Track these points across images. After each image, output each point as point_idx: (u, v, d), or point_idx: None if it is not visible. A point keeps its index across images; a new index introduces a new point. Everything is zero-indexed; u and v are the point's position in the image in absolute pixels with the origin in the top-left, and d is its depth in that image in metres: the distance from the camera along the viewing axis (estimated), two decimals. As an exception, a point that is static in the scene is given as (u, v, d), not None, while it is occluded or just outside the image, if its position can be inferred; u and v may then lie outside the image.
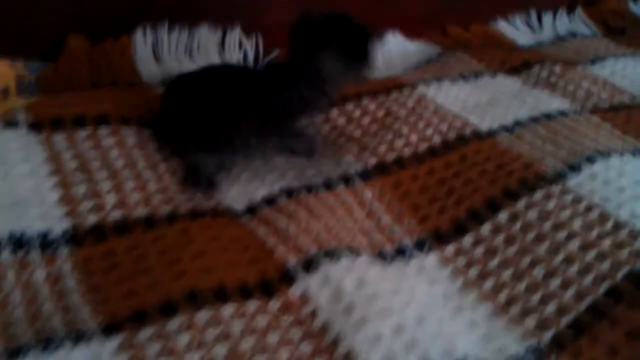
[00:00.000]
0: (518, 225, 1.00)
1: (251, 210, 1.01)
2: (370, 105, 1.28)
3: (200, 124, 1.03)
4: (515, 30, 1.85)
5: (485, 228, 1.00)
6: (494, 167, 1.11)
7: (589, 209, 1.01)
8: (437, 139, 1.19)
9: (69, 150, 1.02)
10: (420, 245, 0.98)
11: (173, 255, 0.87)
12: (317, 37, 1.01)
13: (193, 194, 1.02)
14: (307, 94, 1.04)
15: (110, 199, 0.95)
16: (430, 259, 0.96)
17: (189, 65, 1.35)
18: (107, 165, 1.01)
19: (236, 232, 0.94)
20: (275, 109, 1.04)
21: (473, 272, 0.94)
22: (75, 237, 0.88)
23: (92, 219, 0.91)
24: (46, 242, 0.86)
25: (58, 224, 0.89)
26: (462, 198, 1.06)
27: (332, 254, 0.89)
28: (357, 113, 1.26)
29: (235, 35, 1.45)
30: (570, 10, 1.96)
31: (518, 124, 1.25)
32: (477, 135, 1.20)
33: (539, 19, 1.90)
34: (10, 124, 1.04)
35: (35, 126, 1.05)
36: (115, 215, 0.93)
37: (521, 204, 1.03)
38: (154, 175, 1.02)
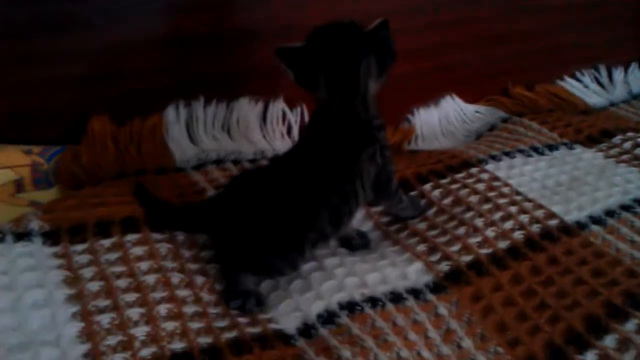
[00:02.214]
0: (632, 355, 0.82)
1: (306, 331, 0.85)
2: (435, 191, 1.13)
3: (259, 245, 0.90)
4: (584, 88, 1.71)
5: (590, 357, 0.83)
6: (591, 273, 0.95)
7: None
8: (518, 236, 1.02)
9: (92, 267, 0.87)
10: (513, 381, 0.81)
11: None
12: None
13: (235, 316, 0.86)
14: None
15: (140, 331, 0.79)
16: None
17: (228, 145, 1.24)
18: (136, 284, 0.86)
19: (290, 367, 0.78)
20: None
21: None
22: (99, 386, 0.72)
23: (118, 360, 0.75)
24: (64, 396, 0.70)
25: (78, 369, 0.74)
26: (557, 315, 0.89)
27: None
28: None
29: (278, 106, 1.32)
30: (642, 65, 1.81)
31: (609, 213, 1.10)
32: (565, 230, 1.04)
33: (610, 76, 1.76)
34: (23, 235, 0.90)
35: (51, 235, 0.92)
36: (146, 353, 0.77)
37: (631, 326, 0.86)
38: (191, 293, 0.87)
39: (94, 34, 1.13)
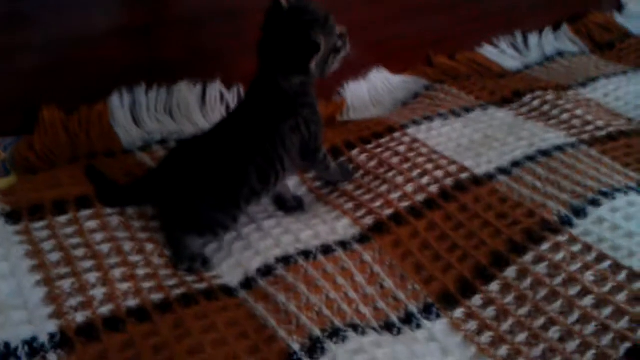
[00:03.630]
0: (528, 282, 0.95)
1: (247, 284, 0.96)
2: (361, 156, 1.24)
3: (197, 205, 1.00)
4: (502, 54, 1.81)
5: (494, 287, 0.96)
6: (496, 216, 1.07)
7: (599, 259, 0.97)
8: (434, 189, 1.14)
9: (51, 240, 0.97)
10: (428, 311, 0.93)
11: (169, 352, 0.81)
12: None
13: (184, 276, 0.97)
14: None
15: (98, 292, 0.90)
16: (440, 325, 0.92)
17: (170, 126, 1.32)
18: (92, 253, 0.96)
19: (233, 315, 0.89)
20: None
21: (486, 337, 0.90)
22: (64, 340, 0.82)
23: (80, 317, 0.86)
24: (34, 349, 0.80)
25: (44, 327, 0.84)
26: (466, 254, 1.01)
27: (337, 335, 0.84)
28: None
29: (215, 88, 1.40)
30: (556, 28, 1.92)
31: (515, 164, 1.21)
32: (475, 181, 1.16)
33: (525, 41, 1.87)
34: (-14, 216, 0.99)
35: (12, 215, 1.00)
36: (105, 309, 0.87)
37: (529, 257, 0.99)
38: (142, 258, 0.98)
39: (37, 29, 1.18)
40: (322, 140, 1.11)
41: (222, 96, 1.42)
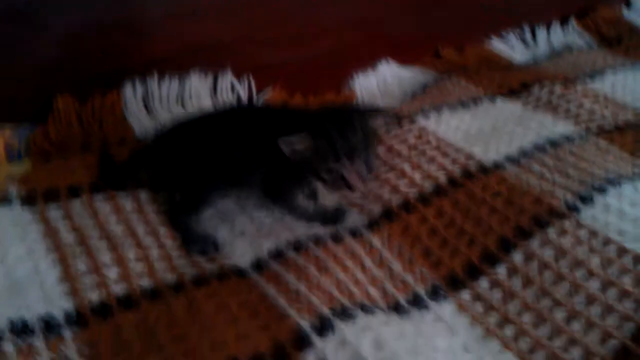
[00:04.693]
0: (534, 266, 0.97)
1: (258, 266, 0.98)
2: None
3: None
4: (510, 48, 1.82)
5: (501, 270, 0.97)
6: (504, 203, 1.08)
7: (605, 243, 0.98)
8: (442, 176, 1.15)
9: (66, 222, 0.99)
10: (435, 293, 0.95)
11: (181, 330, 0.83)
12: None
13: (196, 258, 0.99)
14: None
15: (112, 273, 0.92)
16: (447, 307, 0.93)
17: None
18: (106, 235, 0.98)
19: (244, 296, 0.91)
20: None
21: (492, 318, 0.91)
22: (79, 318, 0.85)
23: (95, 296, 0.88)
24: (49, 327, 0.83)
25: (60, 305, 0.86)
26: (473, 239, 1.02)
27: (346, 314, 0.86)
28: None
29: (226, 78, 1.42)
30: (564, 22, 1.94)
31: (524, 154, 1.22)
32: (483, 170, 1.17)
33: (533, 34, 1.88)
34: (3, 200, 1.01)
35: (29, 199, 1.03)
36: (119, 289, 0.90)
37: (535, 242, 1.00)
38: (155, 241, 1.00)
39: (53, 20, 1.20)
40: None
41: (232, 87, 1.43)
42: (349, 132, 0.95)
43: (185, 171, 1.04)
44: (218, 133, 1.04)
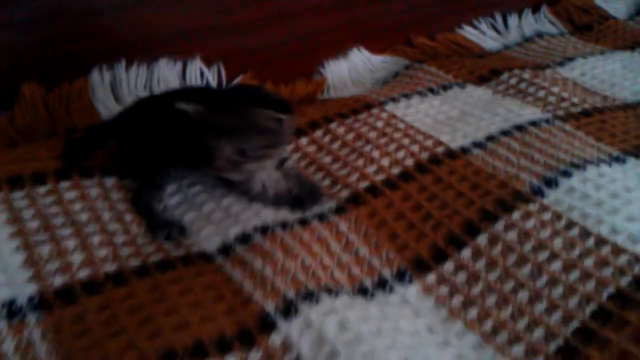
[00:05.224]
0: (498, 248, 0.97)
1: (225, 250, 0.98)
2: (339, 129, 1.25)
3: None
4: (482, 35, 1.83)
5: (466, 253, 0.98)
6: (469, 187, 1.09)
7: (569, 226, 0.99)
8: (409, 162, 1.16)
9: (30, 209, 0.98)
10: (401, 276, 0.95)
11: (145, 313, 0.83)
12: None
13: (162, 243, 0.98)
14: None
15: (76, 257, 0.92)
16: (413, 290, 0.94)
17: None
18: (71, 221, 0.97)
19: (209, 279, 0.91)
20: None
21: (456, 300, 0.92)
22: (42, 302, 0.84)
23: (58, 281, 0.88)
24: (12, 312, 0.82)
25: (24, 290, 0.85)
26: (439, 223, 1.03)
27: (311, 297, 0.86)
28: (327, 139, 1.24)
29: (195, 65, 1.42)
30: (536, 9, 1.95)
31: (490, 139, 1.23)
32: (450, 155, 1.18)
33: (505, 22, 1.89)
34: (-35, 188, 1.01)
35: (-8, 186, 1.02)
36: (83, 274, 0.89)
37: (500, 225, 1.01)
38: (121, 227, 0.99)
39: (18, 5, 1.19)
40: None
41: (202, 74, 1.43)
42: (230, 113, 0.95)
43: (138, 151, 1.05)
44: (165, 113, 1.01)
